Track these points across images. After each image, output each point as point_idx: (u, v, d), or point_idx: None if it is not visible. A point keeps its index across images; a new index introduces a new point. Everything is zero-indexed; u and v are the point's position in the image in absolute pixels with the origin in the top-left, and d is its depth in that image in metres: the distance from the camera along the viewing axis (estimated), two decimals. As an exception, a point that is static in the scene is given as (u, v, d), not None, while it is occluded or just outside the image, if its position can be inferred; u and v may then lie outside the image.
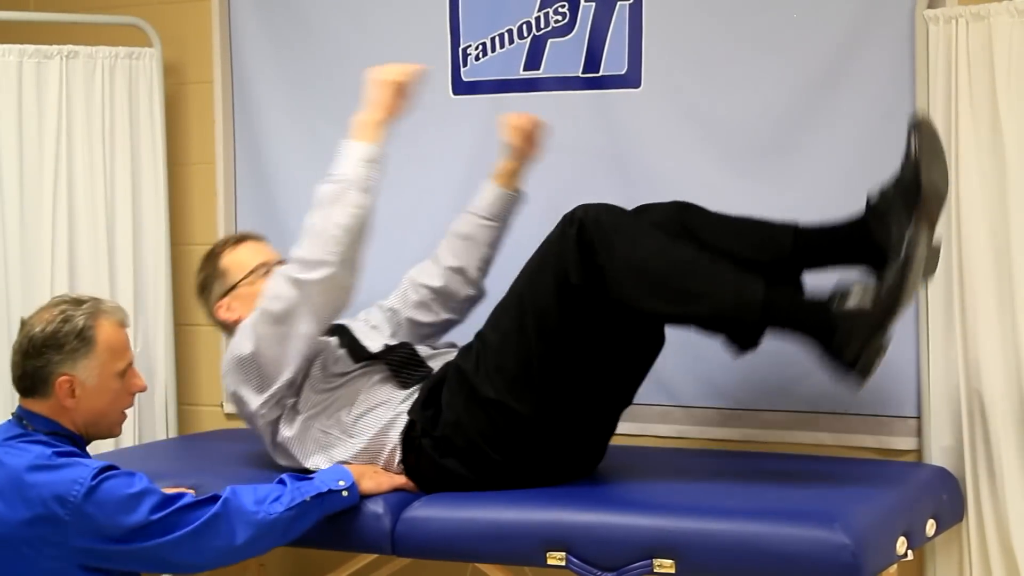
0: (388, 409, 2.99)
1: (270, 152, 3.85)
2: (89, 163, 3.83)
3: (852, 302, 2.63)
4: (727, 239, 2.87)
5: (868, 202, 2.78)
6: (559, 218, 3.40)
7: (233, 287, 3.18)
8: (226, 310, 3.19)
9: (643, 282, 2.74)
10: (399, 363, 3.10)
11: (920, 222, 2.65)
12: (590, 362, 2.85)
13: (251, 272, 3.19)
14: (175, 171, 4.01)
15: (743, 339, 2.75)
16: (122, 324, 2.77)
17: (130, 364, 2.77)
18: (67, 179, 3.80)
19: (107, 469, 2.62)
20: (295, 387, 3.05)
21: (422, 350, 3.18)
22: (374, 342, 3.20)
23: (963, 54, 3.04)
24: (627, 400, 3.00)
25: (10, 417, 2.75)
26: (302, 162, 3.80)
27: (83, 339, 2.68)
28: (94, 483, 2.58)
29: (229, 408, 3.94)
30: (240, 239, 3.29)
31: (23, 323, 2.74)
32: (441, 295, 3.35)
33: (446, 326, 3.38)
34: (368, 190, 2.94)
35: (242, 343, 3.02)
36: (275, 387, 3.02)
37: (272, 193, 3.85)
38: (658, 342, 2.95)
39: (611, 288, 2.75)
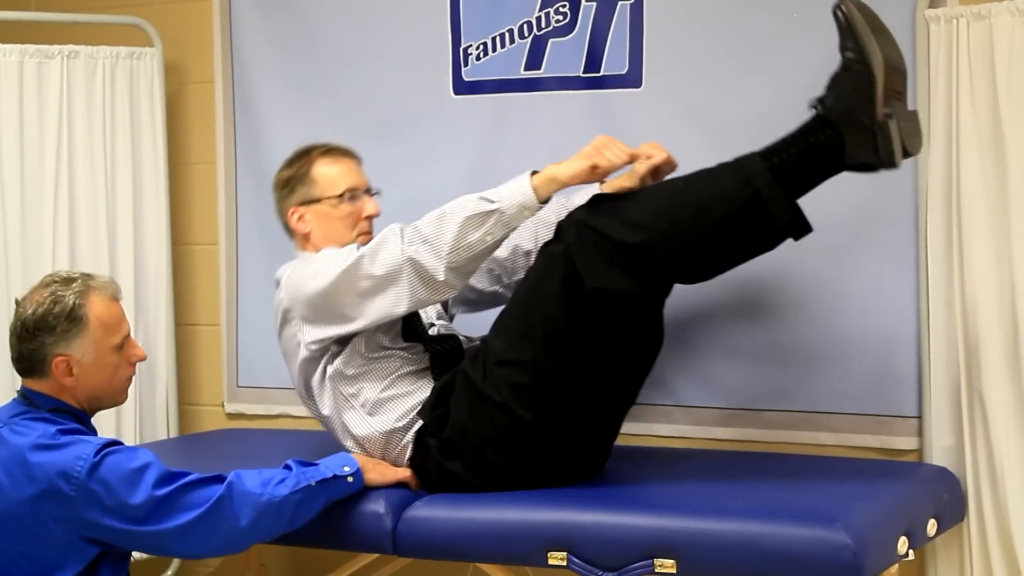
0: (412, 401, 3.00)
1: (271, 152, 3.84)
2: (90, 163, 3.83)
3: (831, 97, 2.66)
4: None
5: (822, 108, 2.72)
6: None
7: (316, 200, 3.15)
8: (299, 219, 3.16)
9: (657, 226, 2.72)
10: (440, 355, 3.08)
11: (879, 92, 2.65)
12: (594, 366, 2.85)
13: (337, 196, 3.14)
14: (176, 171, 4.01)
15: (776, 219, 2.71)
16: (114, 298, 2.78)
17: (126, 336, 2.79)
18: (68, 179, 3.80)
19: (110, 445, 2.65)
20: (344, 342, 3.03)
21: (466, 344, 3.16)
22: (427, 317, 3.18)
23: (964, 54, 3.05)
24: (630, 401, 3.00)
25: (15, 396, 2.78)
26: (303, 161, 3.80)
27: (74, 319, 2.70)
28: (97, 459, 2.61)
29: (245, 381, 3.96)
30: (341, 153, 3.22)
31: (17, 304, 2.76)
32: (501, 267, 3.26)
33: (492, 300, 3.30)
34: (509, 228, 2.86)
35: (321, 276, 2.96)
36: (328, 334, 2.99)
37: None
38: (658, 340, 2.94)
39: (638, 256, 2.72)
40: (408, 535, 2.84)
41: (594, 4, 3.44)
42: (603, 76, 3.45)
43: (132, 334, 3.65)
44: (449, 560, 2.91)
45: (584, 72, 3.47)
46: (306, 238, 3.16)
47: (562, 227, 2.84)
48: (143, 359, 2.85)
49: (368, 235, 3.16)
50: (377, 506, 2.87)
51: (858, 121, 2.66)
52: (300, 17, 3.79)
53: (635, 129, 3.43)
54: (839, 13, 2.67)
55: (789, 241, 3.26)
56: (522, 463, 2.90)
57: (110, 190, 3.86)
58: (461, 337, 3.16)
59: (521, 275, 3.19)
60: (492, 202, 2.85)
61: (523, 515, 2.78)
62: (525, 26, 3.52)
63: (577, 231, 2.78)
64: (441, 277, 2.86)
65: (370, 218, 3.18)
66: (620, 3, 3.41)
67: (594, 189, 3.06)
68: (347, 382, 3.02)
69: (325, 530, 2.89)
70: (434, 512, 2.85)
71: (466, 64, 3.60)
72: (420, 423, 2.98)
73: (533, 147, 3.53)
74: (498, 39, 3.56)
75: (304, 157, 3.20)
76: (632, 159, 2.88)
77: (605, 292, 2.75)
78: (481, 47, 3.58)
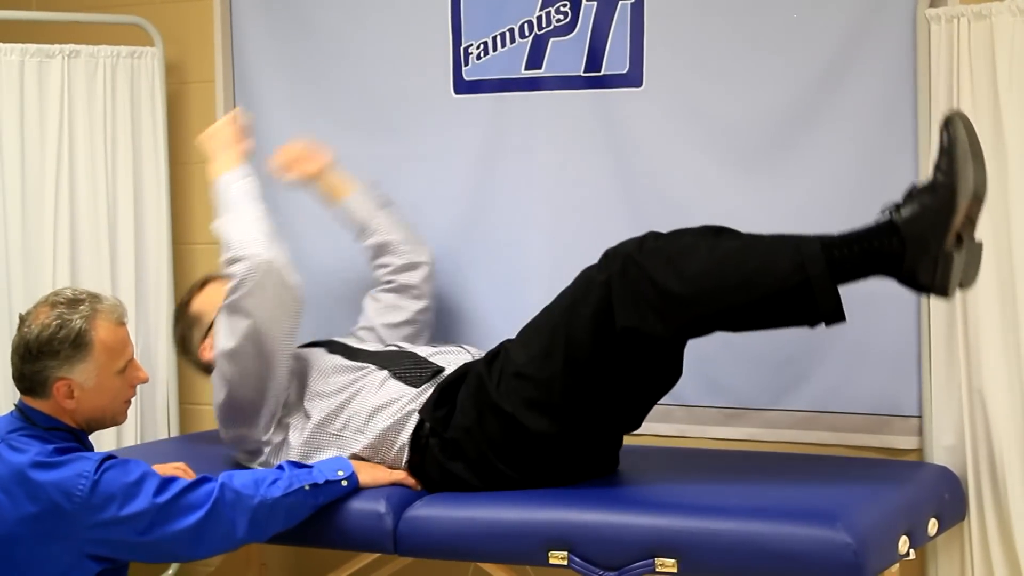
0: (399, 407, 3.00)
1: (272, 151, 3.84)
2: (91, 162, 3.83)
3: (909, 210, 2.63)
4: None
5: (897, 215, 2.70)
6: (561, 215, 3.42)
7: (210, 327, 3.21)
8: (209, 350, 3.21)
9: (705, 287, 2.70)
10: (400, 362, 3.11)
11: (956, 222, 2.62)
12: (609, 393, 2.86)
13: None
14: (177, 170, 4.01)
15: (820, 305, 2.69)
16: (120, 322, 2.76)
17: (130, 360, 2.78)
18: (69, 178, 3.80)
19: (107, 459, 2.65)
20: (289, 405, 3.09)
21: (423, 350, 3.19)
22: (368, 346, 3.23)
23: (965, 53, 3.04)
24: (637, 423, 3.02)
25: (12, 409, 2.77)
26: (304, 161, 3.80)
27: (79, 345, 2.68)
28: (97, 475, 2.61)
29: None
30: (203, 282, 3.33)
31: (21, 320, 2.73)
32: (397, 291, 3.43)
33: (423, 316, 3.45)
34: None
35: (217, 392, 3.08)
36: (264, 417, 3.07)
37: (273, 192, 3.84)
38: (675, 376, 2.94)
39: (676, 306, 2.72)
40: (409, 535, 2.84)
41: (595, 3, 3.43)
42: (604, 75, 3.45)
43: (133, 333, 3.67)
44: (450, 559, 2.91)
45: (585, 71, 3.46)
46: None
47: (609, 255, 2.81)
48: (145, 382, 2.83)
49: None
50: (378, 506, 2.87)
51: (926, 244, 2.63)
52: (301, 16, 3.79)
53: (636, 128, 3.43)
54: (945, 132, 2.62)
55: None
56: (525, 470, 2.90)
57: (111, 189, 3.86)
58: (414, 349, 3.22)
59: (405, 259, 3.45)
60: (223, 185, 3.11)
61: (524, 514, 2.78)
62: (526, 25, 3.51)
63: (623, 265, 2.75)
64: (250, 284, 3.04)
65: None
66: (621, 2, 3.41)
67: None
68: (330, 422, 3.06)
69: (326, 530, 2.89)
70: (435, 512, 2.85)
71: (466, 63, 3.60)
72: (413, 422, 2.97)
73: (534, 146, 3.53)
74: (499, 38, 3.55)
75: (179, 311, 3.37)
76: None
77: (634, 331, 2.74)
78: (481, 46, 3.58)
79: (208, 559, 3.89)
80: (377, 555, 3.04)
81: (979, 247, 2.69)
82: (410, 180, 3.66)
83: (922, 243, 2.63)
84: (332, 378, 3.10)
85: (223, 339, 3.04)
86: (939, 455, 3.15)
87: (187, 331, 3.29)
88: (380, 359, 3.16)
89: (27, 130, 3.76)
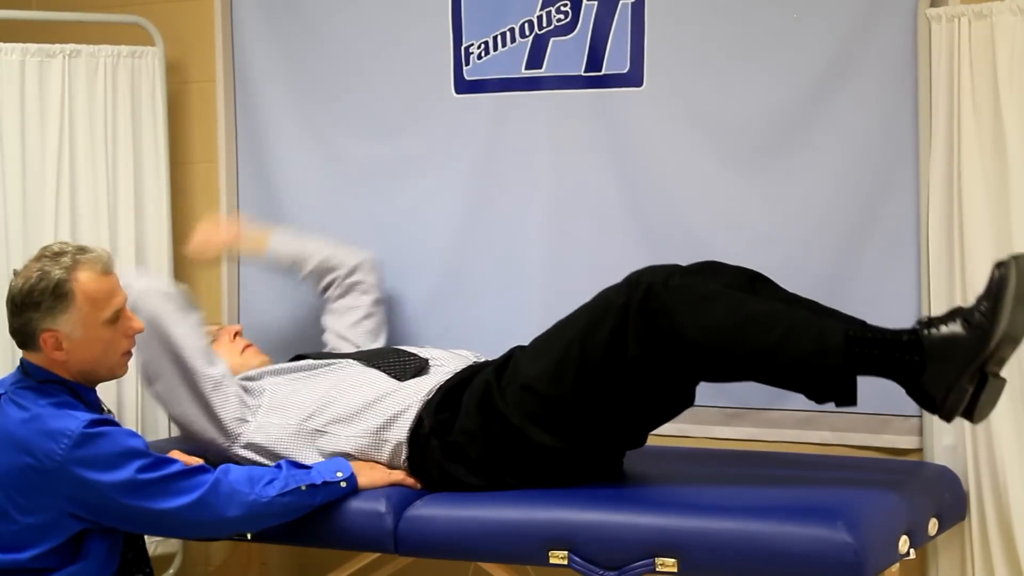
0: (389, 403, 3.00)
1: (273, 151, 3.85)
2: (92, 162, 3.82)
3: (940, 334, 2.62)
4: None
5: (926, 333, 2.67)
6: (561, 214, 3.42)
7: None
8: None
9: (720, 342, 2.69)
10: (384, 356, 3.15)
11: (981, 361, 2.61)
12: (618, 415, 2.86)
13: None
14: (178, 170, 4.00)
15: (829, 392, 2.70)
16: (105, 271, 2.77)
17: (119, 309, 2.78)
18: (69, 178, 3.80)
19: (99, 423, 2.68)
20: (256, 412, 3.12)
21: (408, 347, 3.23)
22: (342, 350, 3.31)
23: (965, 53, 3.04)
24: (641, 441, 3.01)
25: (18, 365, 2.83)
26: (304, 161, 3.80)
27: (58, 295, 2.70)
28: (81, 435, 2.64)
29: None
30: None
31: (14, 275, 2.78)
32: (331, 297, 3.51)
33: (376, 306, 3.52)
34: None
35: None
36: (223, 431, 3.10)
37: (274, 191, 3.85)
38: (686, 403, 2.94)
39: (686, 351, 2.71)
40: (409, 534, 2.84)
41: (595, 3, 3.43)
42: (604, 75, 3.45)
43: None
44: (450, 559, 2.91)
45: (585, 71, 3.46)
46: None
47: (632, 282, 2.77)
48: (141, 331, 2.85)
49: (248, 346, 3.46)
50: (378, 505, 2.87)
51: (946, 372, 2.62)
52: (302, 16, 3.79)
53: (636, 128, 3.43)
54: (996, 273, 2.61)
55: (790, 238, 3.28)
56: (528, 479, 2.90)
57: (112, 189, 3.86)
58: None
59: (338, 273, 3.49)
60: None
61: (524, 514, 2.78)
62: (526, 25, 3.51)
63: (645, 294, 2.72)
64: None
65: (236, 335, 3.44)
66: (621, 2, 3.41)
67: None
68: (311, 419, 3.06)
69: (326, 529, 2.89)
70: (435, 511, 2.85)
71: (467, 63, 3.60)
72: (411, 419, 2.98)
73: (534, 146, 3.53)
74: (499, 38, 3.55)
75: None
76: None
77: (643, 362, 2.74)
78: (482, 46, 3.58)
79: (210, 558, 3.91)
80: (377, 554, 3.04)
81: (1001, 384, 2.69)
82: (411, 179, 3.66)
83: (942, 370, 2.62)
84: (294, 374, 3.15)
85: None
86: (940, 455, 3.15)
87: None
88: (360, 356, 3.19)
89: (28, 130, 3.76)
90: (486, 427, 2.90)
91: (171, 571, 3.92)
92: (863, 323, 2.75)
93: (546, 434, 2.85)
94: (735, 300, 2.73)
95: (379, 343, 3.49)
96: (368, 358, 3.18)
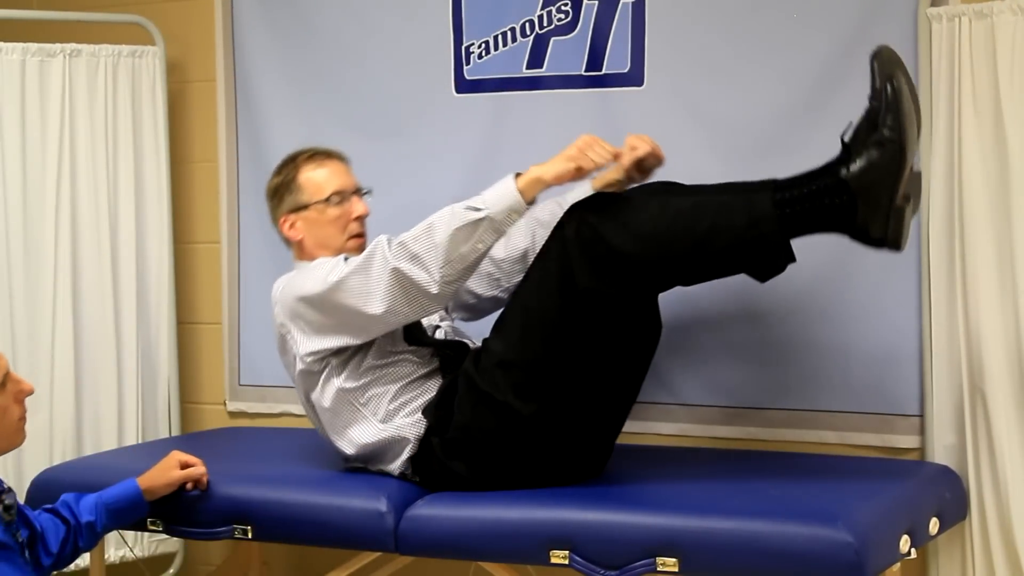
0: (422, 403, 3.01)
1: (273, 150, 3.83)
2: (92, 161, 3.83)
3: (861, 165, 2.63)
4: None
5: (845, 172, 2.71)
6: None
7: (304, 207, 3.15)
8: (290, 227, 3.17)
9: (656, 244, 2.73)
10: (448, 358, 3.09)
11: (905, 177, 2.64)
12: (593, 361, 2.86)
13: (324, 200, 3.15)
14: (178, 169, 4.01)
15: (772, 261, 2.73)
16: None
17: (7, 373, 2.59)
18: (70, 177, 3.80)
19: None
20: (345, 353, 3.03)
21: (472, 346, 3.18)
22: (430, 320, 3.18)
23: (966, 52, 3.05)
24: (632, 396, 3.01)
25: None
26: (305, 160, 3.80)
27: None
28: None
29: (246, 379, 3.97)
30: (326, 156, 3.22)
31: None
32: (499, 268, 3.26)
33: (491, 305, 3.29)
34: (499, 233, 2.87)
35: (313, 283, 2.98)
36: (323, 346, 3.00)
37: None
38: (655, 331, 2.95)
39: (630, 266, 2.74)
40: (410, 533, 2.84)
41: (596, 3, 3.44)
42: (605, 75, 3.45)
43: (135, 331, 3.67)
44: (451, 559, 2.92)
45: (586, 71, 3.47)
46: (300, 246, 3.17)
47: (563, 221, 2.84)
48: (30, 393, 2.66)
49: (360, 237, 3.17)
50: (379, 504, 2.87)
51: (877, 199, 2.64)
52: (302, 15, 3.79)
53: (637, 128, 3.42)
54: (889, 87, 2.63)
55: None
56: (525, 462, 2.90)
57: (112, 188, 3.86)
58: (466, 340, 3.17)
59: (519, 278, 3.17)
60: (479, 210, 2.85)
61: (525, 513, 2.78)
62: (527, 25, 3.52)
63: (577, 228, 2.79)
64: (435, 291, 2.86)
65: (360, 219, 3.18)
66: (622, 2, 3.41)
67: (587, 185, 3.06)
68: (356, 393, 3.02)
69: (327, 529, 2.90)
70: (436, 511, 2.86)
71: (468, 63, 3.60)
72: (425, 423, 2.98)
73: (535, 146, 3.52)
74: (500, 38, 3.56)
75: (290, 164, 3.21)
76: (616, 158, 2.89)
77: (596, 292, 2.76)
78: (483, 46, 3.58)
79: (211, 558, 3.91)
80: (378, 554, 3.04)
81: (918, 176, 2.71)
82: (411, 179, 3.67)
83: (873, 198, 2.64)
84: (384, 344, 3.04)
85: (370, 289, 2.89)
86: (940, 454, 3.15)
87: (282, 189, 3.19)
88: (435, 345, 3.11)
89: (28, 129, 3.76)
90: (477, 414, 2.91)
91: (172, 571, 3.93)
92: (788, 181, 2.75)
93: (533, 403, 2.85)
94: (658, 202, 2.76)
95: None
96: (446, 363, 3.08)
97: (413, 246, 2.87)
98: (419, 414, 2.99)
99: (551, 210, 3.15)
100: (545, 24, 3.49)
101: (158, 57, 3.92)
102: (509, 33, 3.54)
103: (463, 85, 3.61)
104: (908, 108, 2.63)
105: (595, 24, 3.44)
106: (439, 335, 3.17)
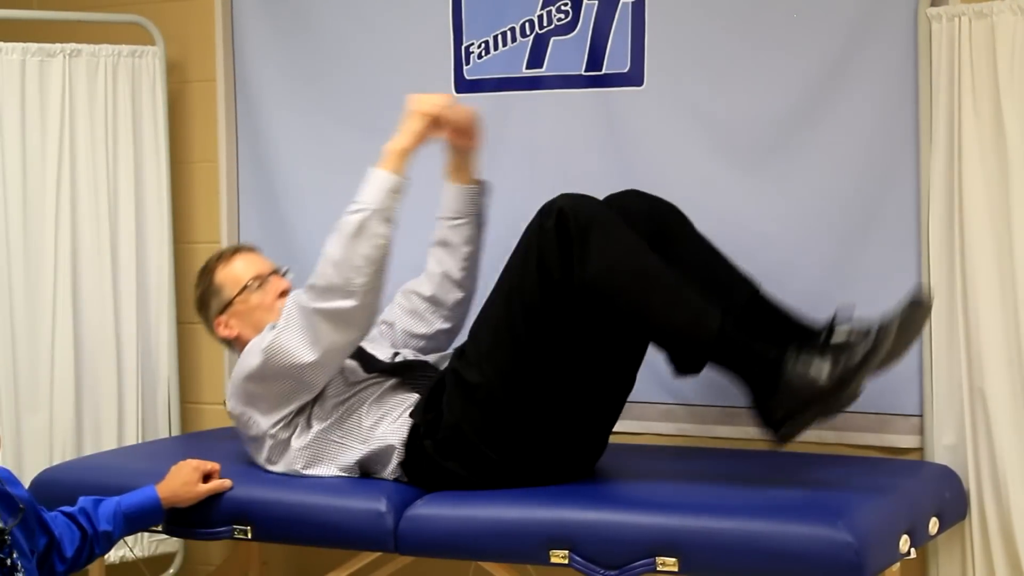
0: (399, 413, 3.01)
1: (273, 150, 3.85)
2: (92, 161, 3.83)
3: (806, 370, 2.65)
4: (693, 264, 2.91)
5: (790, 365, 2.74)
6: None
7: (229, 303, 3.20)
8: (224, 327, 3.22)
9: (611, 283, 2.75)
10: (410, 371, 3.12)
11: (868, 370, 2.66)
12: (581, 350, 2.86)
13: (244, 288, 3.21)
14: (178, 169, 4.01)
15: (686, 362, 2.78)
16: None
17: None
18: (70, 177, 3.80)
19: None
20: (307, 408, 3.06)
21: (432, 358, 3.20)
22: (382, 352, 3.21)
23: (966, 52, 3.04)
24: (625, 389, 3.02)
25: None
26: (305, 160, 3.80)
27: None
28: None
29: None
30: (233, 252, 3.29)
31: None
32: (432, 302, 3.32)
33: (443, 336, 3.35)
34: (390, 220, 2.93)
35: (251, 359, 3.02)
36: (286, 410, 3.04)
37: (275, 191, 3.85)
38: None
39: (581, 282, 2.76)
40: (410, 533, 2.84)
41: (596, 3, 3.43)
42: (605, 75, 3.45)
43: (135, 331, 3.66)
44: (451, 558, 2.92)
45: (586, 71, 3.46)
46: (238, 340, 3.20)
47: (544, 209, 2.84)
48: None
49: None
50: (378, 504, 2.87)
51: (794, 402, 2.67)
52: (302, 15, 3.79)
53: (637, 128, 3.44)
54: (887, 335, 2.64)
55: (790, 238, 3.28)
56: (516, 455, 2.90)
57: (112, 188, 3.86)
58: (426, 359, 3.21)
59: (453, 298, 3.30)
60: (361, 208, 2.90)
61: (525, 513, 2.78)
62: (527, 24, 3.52)
63: (557, 218, 2.79)
64: (358, 302, 2.90)
65: (284, 294, 3.22)
66: (622, 2, 3.41)
67: (450, 187, 3.25)
68: (332, 429, 3.04)
69: (327, 529, 2.90)
70: (435, 510, 2.85)
71: (468, 62, 3.60)
72: (408, 426, 2.98)
73: (535, 145, 3.53)
74: (500, 37, 3.55)
75: (205, 271, 3.27)
76: (442, 107, 3.00)
77: (570, 281, 2.79)
78: (483, 45, 3.58)
79: (211, 558, 3.91)
80: (378, 554, 3.04)
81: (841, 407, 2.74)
82: (411, 179, 3.66)
83: (791, 399, 2.67)
84: (345, 379, 3.09)
85: (300, 340, 2.95)
86: (940, 454, 3.15)
87: (206, 296, 3.25)
88: (395, 370, 3.15)
89: (28, 129, 3.76)
90: (466, 410, 2.91)
91: (172, 571, 3.93)
92: (743, 324, 2.79)
93: (519, 391, 2.86)
94: (635, 247, 2.78)
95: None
96: (405, 375, 3.12)
97: (320, 281, 2.92)
98: (401, 419, 2.99)
99: (438, 227, 3.30)
100: (545, 24, 3.49)
101: (158, 57, 3.92)
102: (509, 33, 3.54)
103: (463, 85, 3.61)
104: (873, 364, 2.64)
105: (595, 24, 3.44)
106: (399, 359, 3.21)
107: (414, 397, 3.03)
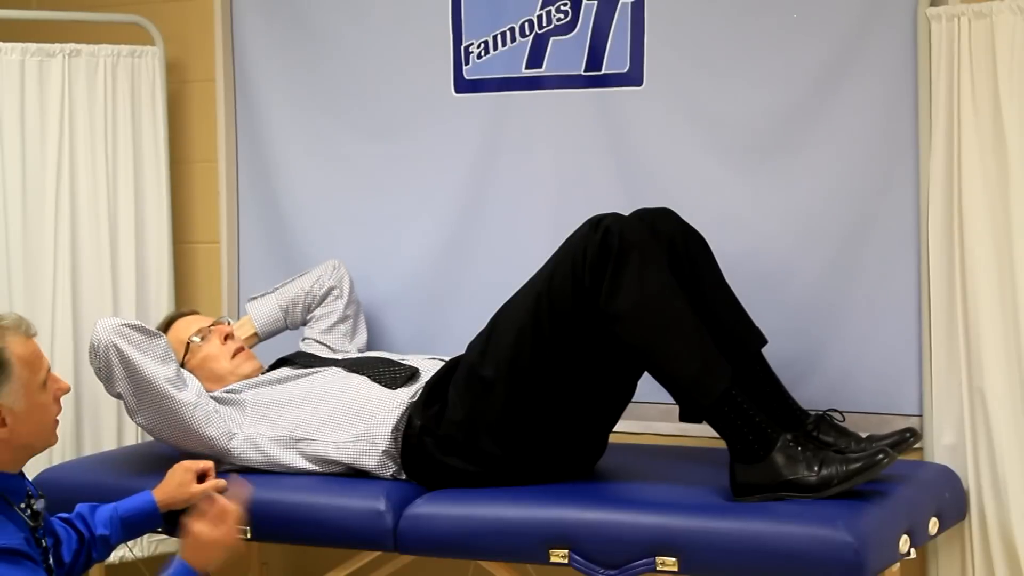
0: (380, 409, 3.04)
1: (272, 149, 3.85)
2: (91, 161, 3.83)
3: (794, 460, 2.71)
4: (710, 302, 2.95)
5: (832, 426, 2.94)
6: (561, 214, 3.42)
7: (181, 366, 3.23)
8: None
9: (633, 321, 2.77)
10: (375, 367, 3.17)
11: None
12: (594, 357, 2.87)
13: (187, 345, 3.30)
14: (177, 169, 4.01)
15: (686, 411, 2.83)
16: (29, 334, 2.56)
17: (48, 370, 2.59)
18: (69, 177, 3.80)
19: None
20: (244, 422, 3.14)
21: (393, 355, 3.28)
22: (327, 355, 3.35)
23: (965, 52, 3.04)
24: (628, 394, 3.03)
25: None
26: (304, 159, 3.80)
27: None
28: None
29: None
30: (170, 321, 3.39)
31: None
32: (318, 299, 3.55)
33: (349, 308, 3.56)
34: None
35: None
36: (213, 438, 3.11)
37: (274, 190, 3.85)
38: None
39: (606, 310, 2.78)
40: (409, 532, 2.84)
41: (595, 3, 3.43)
42: (604, 74, 3.45)
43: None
44: (450, 558, 2.92)
45: (585, 70, 3.46)
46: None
47: (592, 222, 2.85)
48: (67, 391, 2.65)
49: (240, 351, 3.36)
50: (378, 503, 2.87)
51: (768, 480, 2.72)
52: (301, 15, 3.79)
53: (636, 127, 3.43)
54: (883, 459, 2.71)
55: (789, 238, 3.28)
56: (521, 452, 2.91)
57: (111, 188, 3.86)
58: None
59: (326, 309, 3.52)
60: None
61: (525, 512, 2.78)
62: (526, 24, 3.51)
63: (603, 237, 2.80)
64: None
65: (229, 337, 3.36)
66: (621, 2, 3.41)
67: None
68: (299, 428, 3.10)
69: (326, 528, 2.90)
70: (435, 509, 2.85)
71: (467, 62, 3.60)
72: (400, 428, 3.00)
73: (534, 145, 3.53)
74: (499, 37, 3.55)
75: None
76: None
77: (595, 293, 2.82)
78: (482, 45, 3.58)
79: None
80: (378, 553, 3.04)
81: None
82: (410, 179, 3.67)
83: (768, 476, 2.72)
84: (286, 388, 3.16)
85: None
86: (940, 454, 3.15)
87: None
88: (344, 363, 3.20)
89: (28, 129, 3.76)
90: (476, 405, 2.93)
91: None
92: (750, 389, 2.89)
93: (531, 386, 2.88)
94: (667, 287, 2.80)
95: (358, 344, 3.54)
96: (352, 365, 3.20)
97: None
98: (381, 417, 3.02)
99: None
100: (544, 24, 3.49)
101: (157, 57, 3.92)
102: (508, 33, 3.54)
103: (462, 85, 3.61)
104: (853, 483, 2.69)
105: (594, 24, 3.44)
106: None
107: (387, 393, 3.08)
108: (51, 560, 2.64)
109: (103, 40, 3.88)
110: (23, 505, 2.57)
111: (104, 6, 4.04)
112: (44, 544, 2.62)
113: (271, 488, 3.01)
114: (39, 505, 2.62)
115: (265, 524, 2.97)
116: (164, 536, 3.30)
